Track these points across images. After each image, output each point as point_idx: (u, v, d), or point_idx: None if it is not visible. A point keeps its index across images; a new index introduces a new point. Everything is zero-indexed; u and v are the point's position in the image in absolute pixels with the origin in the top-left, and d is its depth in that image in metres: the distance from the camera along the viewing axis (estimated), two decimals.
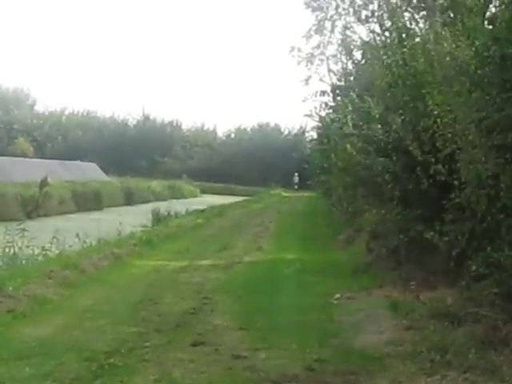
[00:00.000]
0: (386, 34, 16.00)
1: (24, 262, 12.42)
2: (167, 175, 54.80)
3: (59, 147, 61.46)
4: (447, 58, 8.16)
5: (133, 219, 23.00)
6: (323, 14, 33.43)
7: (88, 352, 6.43)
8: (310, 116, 32.49)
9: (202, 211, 27.77)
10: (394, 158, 9.93)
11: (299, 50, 35.39)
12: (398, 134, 9.85)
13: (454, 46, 7.95)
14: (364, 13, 29.90)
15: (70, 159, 44.70)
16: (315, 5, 33.33)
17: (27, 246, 12.92)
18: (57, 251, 13.30)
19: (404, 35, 10.71)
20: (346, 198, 15.96)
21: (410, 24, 14.26)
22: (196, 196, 50.06)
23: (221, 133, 71.34)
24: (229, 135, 70.29)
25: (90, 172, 42.06)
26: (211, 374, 5.92)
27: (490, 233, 7.19)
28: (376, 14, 27.01)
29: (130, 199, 37.85)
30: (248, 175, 59.49)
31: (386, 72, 10.83)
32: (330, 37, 33.96)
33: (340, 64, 32.33)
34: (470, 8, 8.02)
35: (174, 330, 7.52)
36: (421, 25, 16.28)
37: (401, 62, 10.25)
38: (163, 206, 25.74)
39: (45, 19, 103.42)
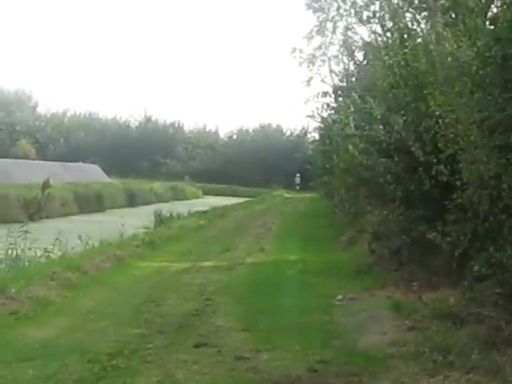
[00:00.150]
0: (388, 34, 15.95)
1: (26, 263, 12.45)
2: (169, 177, 54.90)
3: (61, 149, 61.64)
4: (449, 59, 8.14)
5: (135, 221, 23.00)
6: (325, 15, 33.51)
7: (91, 354, 6.42)
8: (311, 117, 32.62)
9: (205, 212, 27.77)
10: (396, 159, 9.93)
11: (301, 51, 35.42)
12: (399, 135, 9.85)
13: (455, 46, 7.94)
14: (365, 13, 30.03)
15: (72, 161, 44.85)
16: (316, 6, 33.39)
17: (30, 248, 12.96)
18: (59, 253, 13.33)
19: (405, 36, 10.72)
20: (348, 199, 15.94)
21: (412, 25, 14.24)
22: (198, 197, 50.07)
23: (223, 134, 71.63)
24: (231, 136, 70.39)
25: (91, 174, 42.12)
26: (214, 375, 5.92)
27: (492, 233, 7.18)
28: (377, 14, 27.09)
29: (132, 201, 37.90)
30: (250, 176, 59.53)
31: (387, 73, 10.82)
32: (331, 38, 34.05)
33: (342, 65, 32.47)
34: (472, 8, 8.00)
35: (177, 331, 7.52)
36: (422, 25, 16.25)
37: (402, 63, 10.25)
38: (165, 208, 25.78)
39: (47, 21, 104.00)
